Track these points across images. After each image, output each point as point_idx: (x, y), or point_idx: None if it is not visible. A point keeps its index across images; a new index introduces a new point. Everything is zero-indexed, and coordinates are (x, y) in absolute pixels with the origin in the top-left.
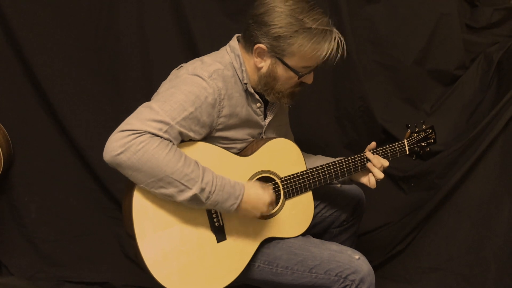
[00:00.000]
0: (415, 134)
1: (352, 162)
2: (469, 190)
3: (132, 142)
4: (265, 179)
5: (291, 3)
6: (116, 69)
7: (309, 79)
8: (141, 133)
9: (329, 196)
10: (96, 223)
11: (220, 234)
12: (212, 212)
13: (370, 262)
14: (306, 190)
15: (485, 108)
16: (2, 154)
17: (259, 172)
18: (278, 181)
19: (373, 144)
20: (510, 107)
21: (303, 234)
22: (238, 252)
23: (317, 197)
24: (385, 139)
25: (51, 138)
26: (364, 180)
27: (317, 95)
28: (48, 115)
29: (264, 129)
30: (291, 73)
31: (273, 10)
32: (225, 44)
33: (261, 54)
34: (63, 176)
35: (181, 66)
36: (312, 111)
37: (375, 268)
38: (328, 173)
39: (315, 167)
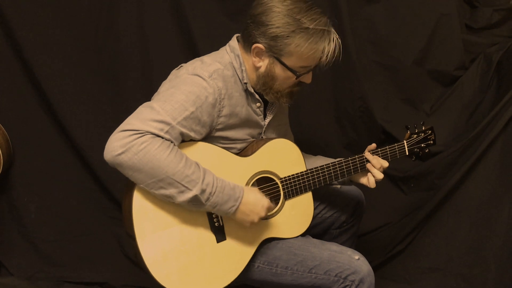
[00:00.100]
0: (415, 135)
1: (351, 162)
2: (469, 191)
3: (133, 142)
4: (265, 179)
5: (289, 3)
6: (116, 69)
7: (307, 79)
8: (142, 133)
9: (329, 197)
10: (96, 223)
11: (220, 234)
12: (212, 212)
13: (370, 262)
14: (306, 191)
15: (485, 109)
16: (2, 154)
17: (259, 172)
18: (278, 181)
19: (373, 145)
20: (510, 108)
21: (303, 235)
22: (237, 252)
23: (317, 198)
24: (384, 139)
25: (51, 138)
26: (364, 180)
27: (316, 95)
28: (48, 115)
29: (264, 129)
30: (289, 73)
31: (271, 10)
32: (225, 44)
33: (259, 54)
34: (63, 176)
35: (181, 66)
36: (312, 111)
37: (375, 268)
38: (328, 174)
39: (315, 168)
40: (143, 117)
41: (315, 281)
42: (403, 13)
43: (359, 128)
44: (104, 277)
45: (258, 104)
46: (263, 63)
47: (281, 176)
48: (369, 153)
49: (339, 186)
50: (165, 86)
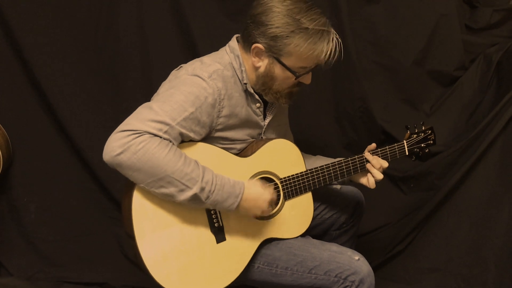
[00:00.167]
0: (415, 135)
1: (351, 163)
2: (469, 191)
3: (132, 142)
4: (264, 179)
5: (289, 3)
6: (116, 69)
7: (307, 79)
8: (141, 133)
9: (329, 198)
10: (95, 223)
11: (219, 234)
12: (212, 212)
13: (369, 262)
14: (305, 191)
15: (485, 109)
16: (2, 154)
17: (258, 172)
18: (277, 181)
19: (373, 145)
20: (509, 108)
21: (303, 235)
22: (237, 252)
23: (317, 199)
24: (384, 140)
25: (51, 138)
26: (364, 181)
27: (316, 95)
28: (47, 115)
29: (263, 129)
30: (288, 73)
31: (271, 10)
32: (224, 45)
33: (258, 54)
34: (62, 176)
35: (181, 66)
36: (312, 112)
37: (375, 268)
38: (328, 174)
39: (315, 168)
40: (141, 118)
41: (315, 281)
42: (403, 13)
43: (359, 128)
44: (104, 277)
45: (258, 104)
46: (263, 63)
47: (281, 176)
48: (369, 153)
49: (339, 186)
50: (164, 87)
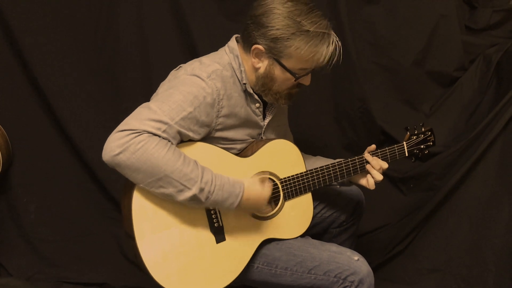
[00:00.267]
0: (414, 137)
1: (351, 163)
2: (469, 191)
3: (131, 141)
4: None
5: (290, 5)
6: (115, 69)
7: (306, 80)
8: (139, 132)
9: (329, 196)
10: (95, 224)
11: (219, 235)
12: (212, 212)
13: (369, 263)
14: (305, 192)
15: (484, 109)
16: (1, 154)
17: (258, 173)
18: (277, 182)
19: (373, 146)
20: (509, 108)
21: (303, 235)
22: (237, 253)
23: (317, 198)
24: (384, 140)
25: (50, 139)
26: (363, 182)
27: (316, 96)
28: (47, 115)
29: (263, 129)
30: (288, 75)
31: (271, 11)
32: (224, 45)
33: (258, 55)
34: (62, 176)
35: (180, 66)
36: (312, 112)
37: (375, 269)
38: (328, 175)
39: (315, 169)
40: (140, 117)
41: (315, 281)
42: (402, 14)
43: (358, 129)
44: (104, 278)
45: (257, 104)
46: (263, 64)
47: (281, 177)
48: (368, 154)
49: (338, 186)
50: (163, 87)
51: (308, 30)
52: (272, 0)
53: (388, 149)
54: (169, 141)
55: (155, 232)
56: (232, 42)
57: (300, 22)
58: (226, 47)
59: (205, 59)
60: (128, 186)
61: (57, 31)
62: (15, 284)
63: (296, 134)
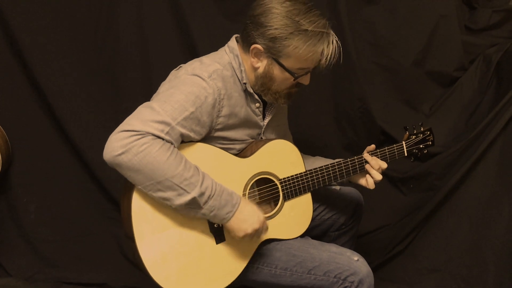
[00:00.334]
0: (413, 136)
1: (350, 163)
2: (468, 191)
3: (134, 143)
4: (264, 180)
5: (288, 4)
6: (115, 69)
7: (305, 80)
8: (143, 134)
9: (328, 199)
10: (95, 224)
11: (219, 235)
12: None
13: (369, 263)
14: (305, 192)
15: (484, 109)
16: (1, 154)
17: (258, 173)
18: (277, 182)
19: (372, 146)
20: (509, 108)
21: (302, 236)
22: (236, 253)
23: (316, 200)
24: (384, 140)
25: (50, 139)
26: (363, 181)
27: (316, 96)
28: (47, 115)
29: (263, 129)
30: (287, 74)
31: (270, 11)
32: (224, 45)
33: (257, 55)
34: (62, 176)
35: (180, 66)
36: (311, 112)
37: (374, 269)
38: (327, 175)
39: (314, 169)
40: (143, 118)
41: (315, 282)
42: (402, 14)
43: (358, 129)
44: (103, 278)
45: (257, 104)
46: (262, 64)
47: (280, 177)
48: (368, 154)
49: (338, 187)
50: (164, 87)
51: (307, 30)
52: (270, 0)
53: (387, 149)
54: (172, 144)
55: (154, 233)
56: (232, 42)
57: (299, 21)
58: (226, 47)
59: (205, 59)
60: (127, 187)
61: (57, 31)
62: (14, 284)
63: (296, 134)
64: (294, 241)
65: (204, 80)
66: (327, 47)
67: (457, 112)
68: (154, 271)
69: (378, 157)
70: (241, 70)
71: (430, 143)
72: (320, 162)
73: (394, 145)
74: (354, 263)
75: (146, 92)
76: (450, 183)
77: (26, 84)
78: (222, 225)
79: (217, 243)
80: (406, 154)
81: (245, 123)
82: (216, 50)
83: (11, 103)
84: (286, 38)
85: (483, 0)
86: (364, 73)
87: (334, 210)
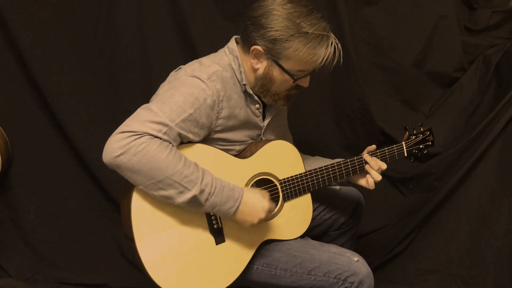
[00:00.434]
0: (413, 137)
1: (350, 164)
2: (468, 192)
3: (132, 143)
4: (263, 181)
5: (289, 6)
6: (115, 70)
7: (305, 82)
8: (140, 134)
9: (328, 199)
10: (94, 225)
11: (218, 236)
12: (211, 214)
13: (369, 264)
14: (305, 192)
15: (484, 110)
16: (1, 155)
17: (258, 174)
18: (277, 183)
19: (373, 146)
20: (508, 109)
21: (302, 236)
22: (236, 254)
23: (316, 200)
24: (383, 141)
25: (50, 140)
26: (362, 182)
27: (316, 97)
28: (47, 116)
29: (263, 130)
30: (287, 76)
31: (271, 12)
32: (223, 46)
33: (257, 56)
34: (61, 177)
35: (180, 68)
36: (311, 113)
37: (374, 270)
38: (327, 175)
39: (314, 169)
40: (141, 119)
41: (314, 283)
42: (402, 15)
43: (358, 130)
44: (103, 279)
45: (257, 105)
46: (261, 65)
47: (280, 177)
48: (367, 154)
49: (338, 187)
50: (164, 88)
51: (307, 32)
52: (271, 1)
53: (387, 149)
54: (170, 143)
55: (154, 233)
56: (232, 43)
57: (299, 24)
58: (225, 48)
59: (205, 60)
60: (127, 187)
61: (57, 31)
62: (14, 285)
63: (295, 135)
64: (294, 242)
65: (203, 82)
66: (327, 50)
67: (456, 113)
68: (154, 272)
69: (378, 158)
70: (241, 72)
71: (430, 143)
72: (319, 162)
73: (394, 146)
74: (354, 263)
75: (145, 92)
76: (450, 183)
77: (25, 84)
78: (222, 226)
79: (216, 244)
80: (406, 155)
81: (245, 125)
82: (216, 51)
83: (11, 104)
84: (286, 40)
85: (483, 1)
86: (363, 73)
87: (334, 210)
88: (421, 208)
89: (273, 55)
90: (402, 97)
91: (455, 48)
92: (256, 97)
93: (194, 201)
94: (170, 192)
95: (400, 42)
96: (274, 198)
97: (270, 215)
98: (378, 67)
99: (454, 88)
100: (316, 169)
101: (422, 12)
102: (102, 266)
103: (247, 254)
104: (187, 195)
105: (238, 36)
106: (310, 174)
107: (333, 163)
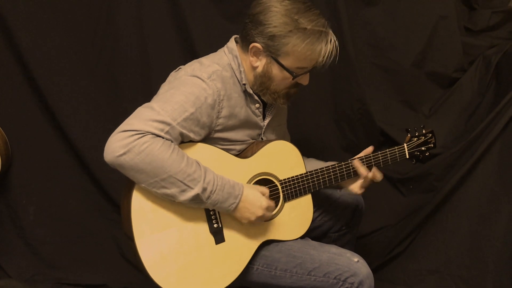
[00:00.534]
0: (415, 139)
1: (351, 165)
2: (468, 192)
3: (135, 142)
4: (264, 181)
5: (287, 3)
6: (115, 70)
7: (304, 80)
8: (143, 133)
9: (329, 199)
10: (94, 225)
11: (218, 236)
12: (211, 213)
13: (369, 264)
14: (305, 193)
15: (484, 111)
16: (1, 155)
17: (258, 174)
18: (277, 183)
19: (370, 148)
20: (508, 109)
21: (302, 237)
22: (236, 254)
23: (317, 201)
24: (383, 142)
25: (50, 140)
26: (369, 175)
27: (315, 97)
28: (46, 116)
29: (263, 130)
30: (286, 74)
31: (269, 9)
32: (223, 46)
33: (256, 53)
34: (61, 178)
35: (180, 68)
36: (311, 113)
37: (374, 270)
38: (328, 176)
39: (315, 170)
40: (143, 118)
41: (314, 283)
42: (401, 15)
43: (358, 130)
44: (103, 279)
45: (257, 105)
46: (260, 63)
47: (281, 178)
48: (358, 160)
49: (338, 190)
50: (164, 88)
51: (306, 28)
52: None
53: (389, 151)
54: (172, 142)
55: (154, 233)
56: (231, 43)
57: (298, 20)
58: (225, 48)
59: (204, 60)
60: (127, 187)
61: (57, 31)
62: (14, 285)
63: (295, 135)
64: (294, 242)
65: (203, 81)
66: (326, 45)
67: (456, 113)
68: (154, 271)
69: (379, 158)
70: (240, 71)
71: (432, 145)
72: (313, 164)
73: (396, 147)
74: (354, 264)
75: (145, 92)
76: (450, 184)
77: (25, 84)
78: (222, 226)
79: (216, 243)
80: (407, 157)
81: (245, 124)
82: (215, 51)
83: (11, 104)
84: (285, 36)
85: (483, 1)
86: (363, 74)
87: (334, 211)
88: (421, 209)
89: (272, 52)
90: (402, 97)
91: (455, 48)
92: (255, 97)
93: (196, 199)
94: (172, 190)
95: (400, 42)
96: (274, 199)
97: (269, 214)
98: (378, 68)
99: (454, 89)
100: (317, 169)
101: (422, 13)
102: (102, 266)
103: (247, 254)
104: (190, 193)
105: (238, 36)
106: (311, 174)
107: (334, 164)
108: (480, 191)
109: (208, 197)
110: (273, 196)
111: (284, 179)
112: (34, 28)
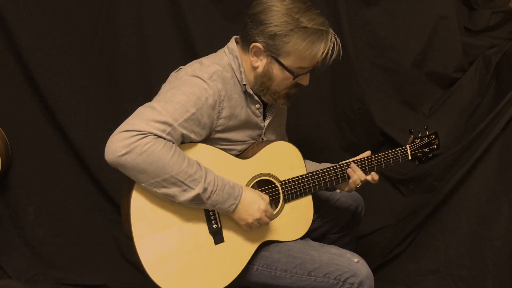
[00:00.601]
0: (418, 140)
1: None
2: (468, 192)
3: (137, 143)
4: (265, 182)
5: (288, 2)
6: (115, 70)
7: (305, 80)
8: (145, 134)
9: (329, 200)
10: (94, 225)
11: (218, 236)
12: (210, 213)
13: (369, 264)
14: (305, 194)
15: (484, 111)
16: (1, 156)
17: (258, 174)
18: (277, 184)
19: (368, 152)
20: (508, 110)
21: (302, 238)
22: (236, 254)
23: (317, 201)
24: (383, 142)
25: (50, 140)
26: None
27: (316, 97)
28: (46, 116)
29: (263, 130)
30: (287, 73)
31: (270, 9)
32: (223, 46)
33: (257, 53)
34: (61, 178)
35: (180, 68)
36: (311, 114)
37: (374, 271)
38: (329, 177)
39: (316, 171)
40: (145, 118)
41: (314, 284)
42: (401, 15)
43: (358, 130)
44: (103, 279)
45: (257, 105)
46: (261, 63)
47: (281, 179)
48: (353, 164)
49: (338, 190)
50: (165, 88)
51: (306, 27)
52: None
53: (391, 152)
54: (173, 143)
55: (153, 233)
56: (232, 43)
57: (298, 19)
58: (225, 48)
59: (205, 60)
60: (127, 187)
61: (57, 31)
62: (14, 285)
63: (295, 135)
64: (294, 243)
65: (204, 81)
66: (327, 44)
67: (456, 113)
68: (153, 271)
69: (380, 160)
70: (241, 71)
71: (435, 147)
72: (308, 166)
73: (398, 149)
74: (354, 264)
75: (145, 92)
76: (450, 184)
77: (25, 84)
78: (221, 226)
79: (216, 243)
80: (410, 158)
81: (246, 124)
82: (215, 51)
83: (11, 104)
84: (285, 35)
85: (483, 1)
86: (363, 74)
87: (334, 212)
88: (421, 209)
89: (273, 52)
90: (402, 97)
91: (455, 48)
92: (256, 97)
93: (197, 199)
94: (173, 190)
95: (400, 43)
96: (275, 199)
97: (267, 219)
98: (378, 68)
99: (454, 89)
100: (318, 171)
101: (422, 13)
102: (102, 266)
103: (246, 255)
104: (190, 194)
105: (238, 36)
106: (311, 175)
107: (335, 165)
108: (480, 191)
109: (209, 197)
110: (274, 197)
111: (285, 180)
112: (34, 28)
